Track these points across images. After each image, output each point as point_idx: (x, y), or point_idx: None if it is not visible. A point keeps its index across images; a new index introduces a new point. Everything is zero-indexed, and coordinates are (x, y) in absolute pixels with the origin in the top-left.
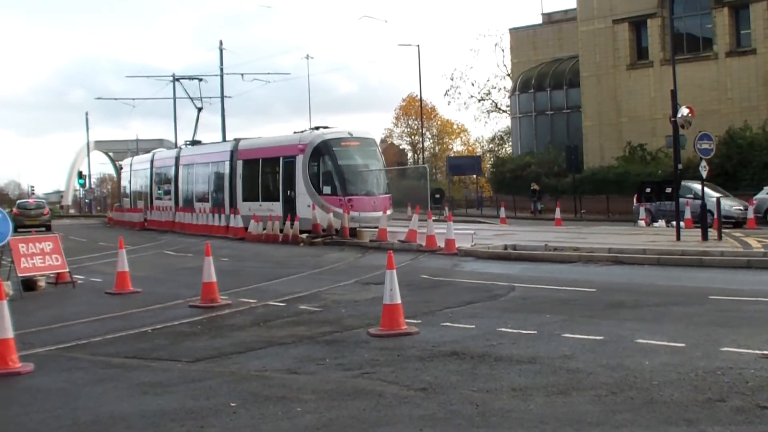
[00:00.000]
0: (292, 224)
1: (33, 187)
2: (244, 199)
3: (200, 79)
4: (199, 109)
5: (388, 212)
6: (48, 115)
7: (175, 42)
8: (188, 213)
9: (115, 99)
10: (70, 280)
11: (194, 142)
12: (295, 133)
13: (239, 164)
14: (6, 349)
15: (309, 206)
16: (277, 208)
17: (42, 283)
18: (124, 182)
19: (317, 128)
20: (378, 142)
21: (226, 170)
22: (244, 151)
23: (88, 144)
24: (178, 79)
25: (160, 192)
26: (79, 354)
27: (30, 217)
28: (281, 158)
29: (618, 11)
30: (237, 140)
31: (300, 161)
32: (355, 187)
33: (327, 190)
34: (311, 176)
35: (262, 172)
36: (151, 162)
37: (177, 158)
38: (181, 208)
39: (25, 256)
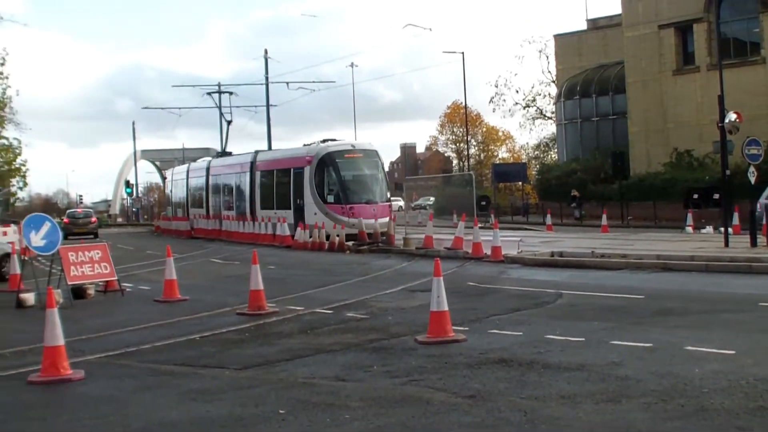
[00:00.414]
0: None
1: (81, 196)
2: (262, 208)
3: (231, 93)
4: (229, 122)
5: (387, 219)
6: (96, 125)
7: (219, 51)
8: (234, 221)
9: (162, 108)
10: (118, 288)
11: (224, 153)
12: (304, 145)
13: (257, 175)
14: (58, 356)
15: (315, 214)
16: (288, 216)
17: (91, 292)
18: (168, 191)
19: (325, 141)
20: (422, 149)
21: (247, 180)
22: (261, 162)
23: (135, 153)
24: (210, 93)
25: (192, 200)
26: (129, 361)
27: (78, 225)
28: (292, 169)
29: (664, 16)
30: (256, 152)
31: (307, 172)
32: (356, 196)
33: (331, 198)
34: (317, 186)
35: (277, 183)
36: (187, 172)
37: (207, 169)
38: (212, 216)
39: (74, 265)
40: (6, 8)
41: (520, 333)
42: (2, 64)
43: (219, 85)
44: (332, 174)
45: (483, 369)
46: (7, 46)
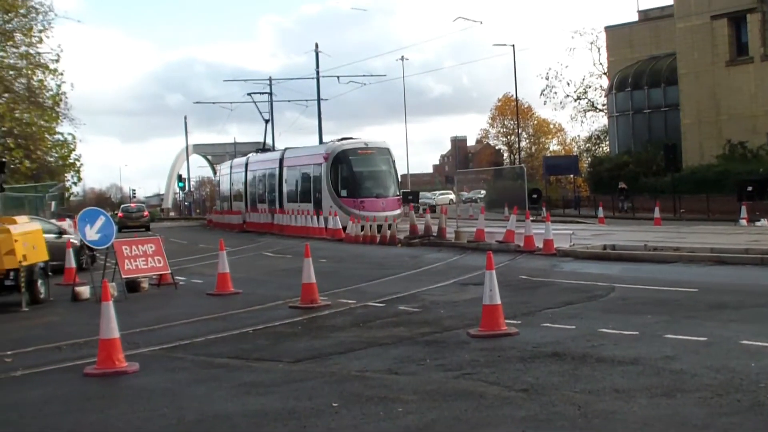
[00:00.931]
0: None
1: (134, 190)
2: (288, 201)
3: (270, 94)
4: (267, 121)
5: (397, 211)
6: (147, 120)
7: (268, 46)
8: (286, 215)
9: (213, 103)
10: (172, 282)
11: (263, 150)
12: (322, 143)
13: (285, 171)
14: (113, 348)
15: (330, 207)
16: (309, 209)
17: (145, 285)
18: (218, 186)
19: (343, 139)
20: (472, 142)
21: (276, 176)
22: (288, 159)
23: (187, 148)
24: (250, 94)
25: (238, 195)
26: (182, 354)
27: (132, 219)
28: (312, 166)
29: (716, 7)
30: (285, 149)
31: (324, 168)
32: (367, 190)
33: (344, 193)
34: (332, 181)
35: (301, 178)
36: (230, 168)
37: (246, 165)
38: (250, 209)
39: (128, 258)
40: (61, 5)
41: (573, 326)
42: (56, 61)
43: (270, 79)
44: (345, 170)
45: (536, 363)
46: (61, 42)
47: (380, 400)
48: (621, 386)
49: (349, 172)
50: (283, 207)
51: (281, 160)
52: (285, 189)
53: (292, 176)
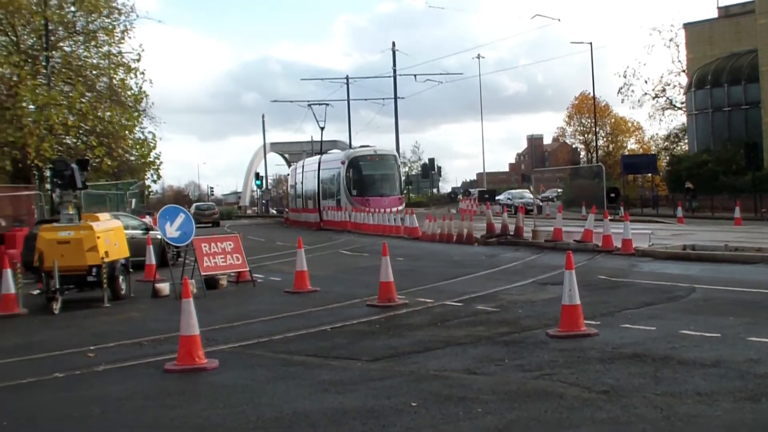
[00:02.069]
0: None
1: (212, 188)
2: (323, 199)
3: (327, 104)
4: (322, 128)
5: (399, 207)
6: (224, 118)
7: (343, 45)
8: (362, 213)
9: (291, 101)
10: (250, 279)
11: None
12: (343, 151)
13: (322, 173)
14: (193, 345)
15: (346, 204)
16: (333, 205)
17: (224, 282)
18: (291, 184)
19: (364, 146)
20: (549, 140)
21: (316, 177)
22: (323, 163)
23: (264, 146)
24: (310, 105)
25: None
26: (261, 351)
27: (204, 216)
28: (335, 169)
29: None
30: (321, 154)
31: (341, 172)
32: (372, 191)
33: (355, 192)
34: (347, 183)
35: (329, 180)
36: (304, 167)
37: (319, 164)
38: (302, 208)
39: (207, 256)
40: (142, 5)
41: (653, 328)
42: (138, 60)
43: (347, 78)
44: (356, 173)
45: (616, 364)
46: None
47: (459, 400)
48: (703, 389)
49: (359, 175)
50: (320, 205)
51: (320, 164)
52: (321, 189)
53: (324, 177)
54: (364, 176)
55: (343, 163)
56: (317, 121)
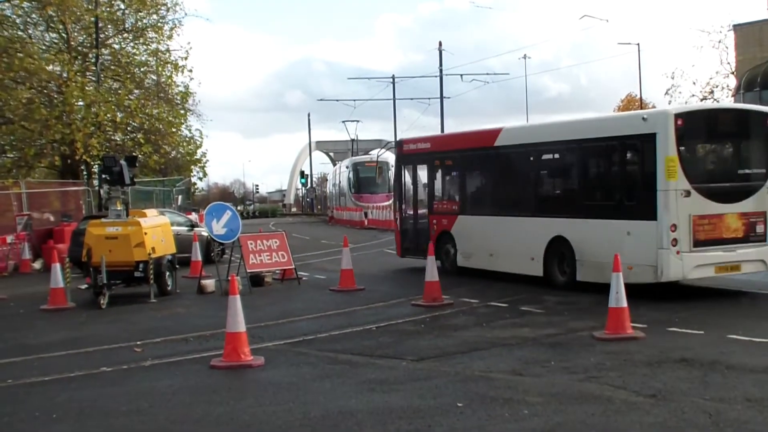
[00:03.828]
0: None
1: (257, 186)
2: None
3: (358, 121)
4: (352, 141)
5: (384, 203)
6: (269, 116)
7: (387, 44)
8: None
9: (336, 100)
10: (295, 277)
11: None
12: (352, 157)
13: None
14: (239, 342)
15: (351, 200)
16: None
17: (269, 279)
18: (336, 183)
19: (365, 154)
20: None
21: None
22: (342, 166)
23: (310, 144)
24: (344, 122)
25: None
26: (307, 349)
27: (241, 213)
28: (345, 173)
29: None
30: (352, 160)
31: (346, 174)
32: (366, 190)
33: (354, 191)
34: (350, 183)
35: (342, 180)
36: (347, 166)
37: (347, 165)
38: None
39: (253, 253)
40: (190, 4)
41: (701, 332)
42: (185, 58)
43: (393, 77)
44: (356, 176)
45: (663, 368)
46: (190, 40)
47: (505, 401)
48: (753, 395)
49: (357, 178)
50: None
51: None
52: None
53: (343, 178)
54: (361, 179)
55: (347, 167)
56: (348, 132)
